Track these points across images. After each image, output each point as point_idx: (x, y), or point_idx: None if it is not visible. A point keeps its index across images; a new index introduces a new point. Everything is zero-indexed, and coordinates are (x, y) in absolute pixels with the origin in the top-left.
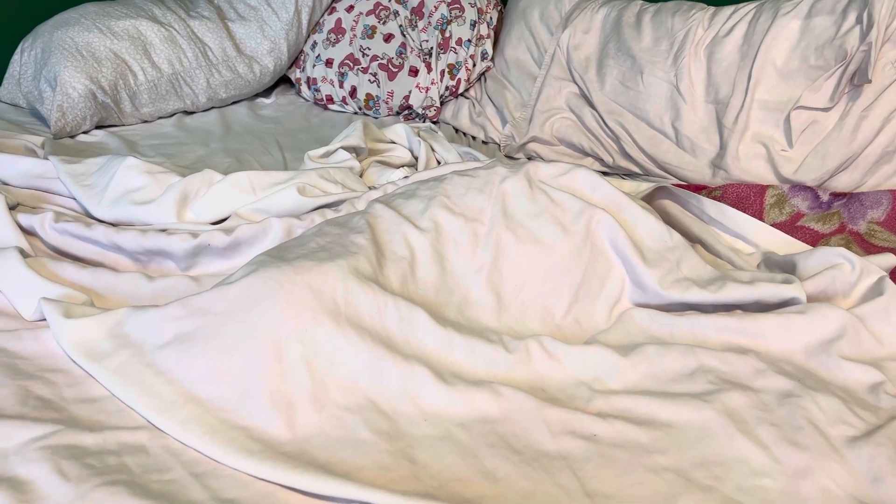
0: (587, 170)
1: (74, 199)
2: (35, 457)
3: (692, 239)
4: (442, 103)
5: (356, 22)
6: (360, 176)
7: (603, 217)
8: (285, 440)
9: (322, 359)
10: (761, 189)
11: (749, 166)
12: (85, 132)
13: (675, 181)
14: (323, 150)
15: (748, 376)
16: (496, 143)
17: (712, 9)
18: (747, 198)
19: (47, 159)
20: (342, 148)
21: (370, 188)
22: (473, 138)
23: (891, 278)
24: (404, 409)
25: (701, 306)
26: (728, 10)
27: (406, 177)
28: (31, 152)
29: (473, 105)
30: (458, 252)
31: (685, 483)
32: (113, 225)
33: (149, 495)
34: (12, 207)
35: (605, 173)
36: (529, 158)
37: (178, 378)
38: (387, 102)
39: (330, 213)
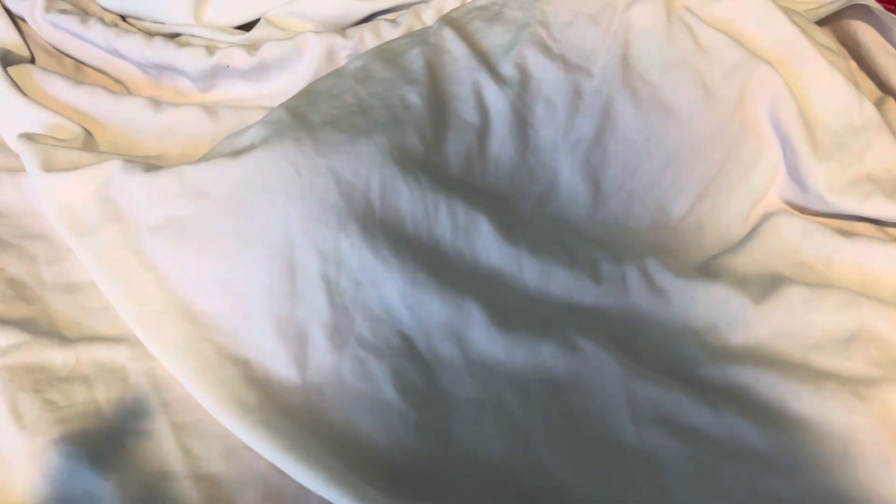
0: None
1: None
2: None
3: (886, 88)
4: None
5: None
6: None
7: (766, 76)
8: (293, 385)
9: (346, 279)
10: None
11: None
12: None
13: None
14: None
15: None
16: None
17: None
18: None
19: None
20: None
21: None
22: None
23: None
24: (447, 353)
25: (882, 221)
26: None
27: None
28: None
29: None
30: (550, 117)
31: None
32: (122, 18)
33: (110, 463)
34: None
35: None
36: None
37: (169, 278)
38: None
39: (387, 28)
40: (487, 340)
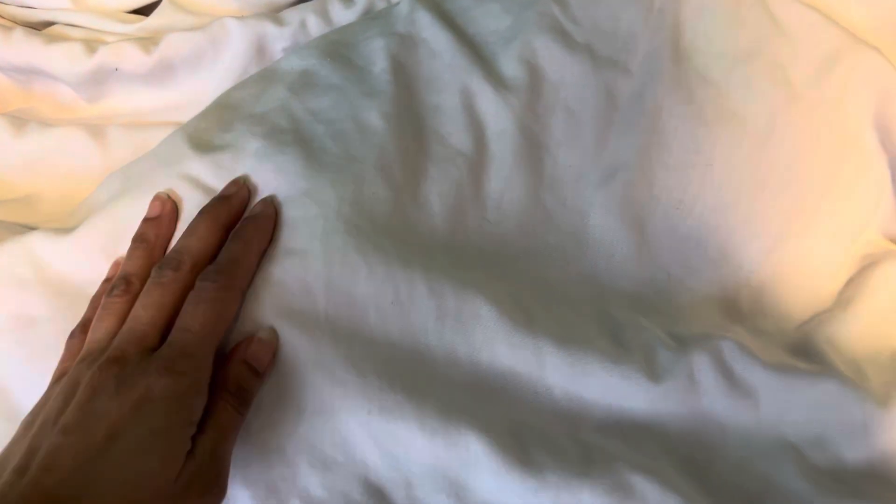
0: None
1: None
2: None
3: None
4: None
5: None
6: None
7: (872, 68)
8: None
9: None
10: None
11: None
12: None
13: None
14: None
15: None
16: None
17: None
18: None
19: None
20: None
21: None
22: None
23: None
24: None
25: None
26: None
27: None
28: None
29: None
30: (573, 135)
31: None
32: None
33: None
34: None
35: None
36: None
37: (15, 408)
38: None
39: (337, 7)
40: (497, 487)
